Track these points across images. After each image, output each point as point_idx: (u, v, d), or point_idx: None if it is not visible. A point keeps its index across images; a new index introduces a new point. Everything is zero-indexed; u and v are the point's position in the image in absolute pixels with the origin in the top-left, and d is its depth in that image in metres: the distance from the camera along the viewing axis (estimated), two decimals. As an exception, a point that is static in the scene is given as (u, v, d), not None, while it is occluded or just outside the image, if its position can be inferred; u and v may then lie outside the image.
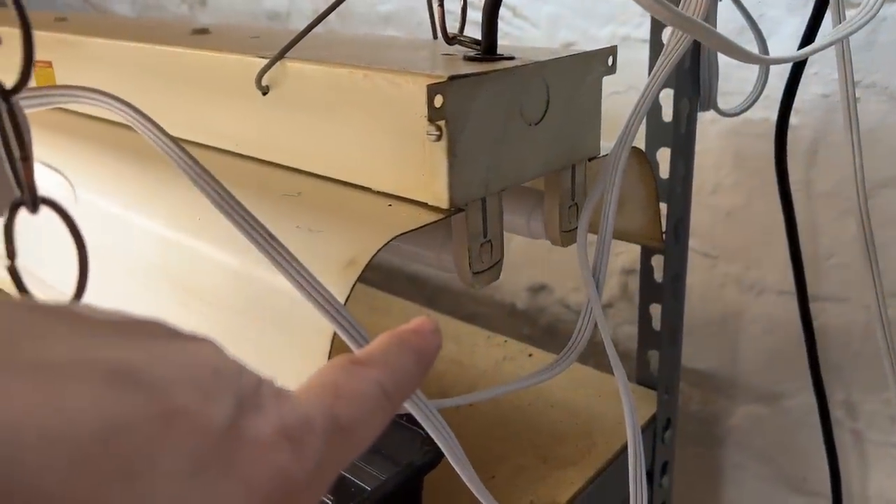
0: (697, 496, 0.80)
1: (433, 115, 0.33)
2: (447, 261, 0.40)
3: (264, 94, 0.43)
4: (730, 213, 0.69)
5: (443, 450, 0.34)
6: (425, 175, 0.36)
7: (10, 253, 0.24)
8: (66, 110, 0.58)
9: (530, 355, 0.71)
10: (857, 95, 0.58)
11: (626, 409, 0.41)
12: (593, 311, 0.41)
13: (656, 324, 0.61)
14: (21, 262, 0.24)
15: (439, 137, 0.34)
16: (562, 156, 0.41)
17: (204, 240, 0.40)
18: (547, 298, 0.86)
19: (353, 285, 0.32)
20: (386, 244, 0.33)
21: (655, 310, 0.61)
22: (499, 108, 0.36)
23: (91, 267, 0.46)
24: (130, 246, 0.44)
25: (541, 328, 0.88)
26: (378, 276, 1.01)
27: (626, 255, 0.77)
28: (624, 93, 0.69)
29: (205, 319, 0.38)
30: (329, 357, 0.32)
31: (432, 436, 0.33)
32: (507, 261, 0.92)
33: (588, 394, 0.64)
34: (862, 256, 0.49)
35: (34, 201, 0.23)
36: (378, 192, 0.39)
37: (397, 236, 0.34)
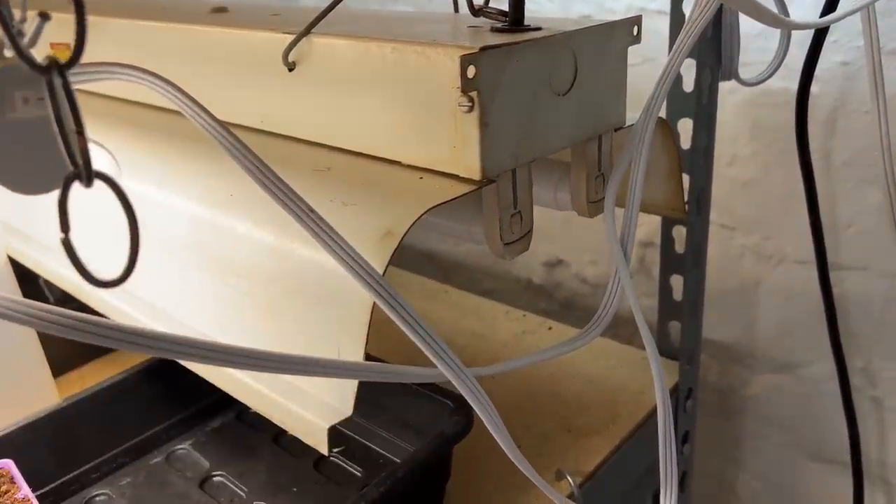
0: (717, 465, 0.81)
1: (466, 85, 0.34)
2: (478, 233, 0.40)
3: (291, 70, 0.43)
4: (747, 184, 0.69)
5: (481, 416, 0.34)
6: (457, 147, 0.36)
7: (65, 226, 0.24)
8: (89, 92, 0.58)
9: (550, 328, 0.72)
10: (877, 63, 0.58)
11: (654, 374, 0.41)
12: (622, 280, 0.42)
13: (677, 294, 0.61)
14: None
15: (471, 108, 0.34)
16: (589, 126, 0.42)
17: (238, 216, 0.40)
18: (563, 273, 0.86)
19: (392, 256, 0.33)
20: (422, 215, 0.33)
21: (676, 281, 0.61)
22: (529, 78, 0.37)
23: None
24: (165, 225, 0.44)
25: (558, 303, 0.88)
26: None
27: (644, 227, 0.77)
28: (640, 65, 0.68)
29: (241, 294, 0.39)
30: (369, 328, 0.33)
31: (471, 403, 0.34)
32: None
33: (610, 365, 0.65)
34: (887, 223, 0.49)
35: (88, 175, 0.24)
36: (408, 166, 0.39)
37: (432, 208, 0.34)
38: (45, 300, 0.70)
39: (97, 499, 0.53)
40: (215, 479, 0.54)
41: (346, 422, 0.32)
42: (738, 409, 0.77)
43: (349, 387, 0.33)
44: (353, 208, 0.36)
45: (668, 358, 0.64)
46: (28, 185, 0.28)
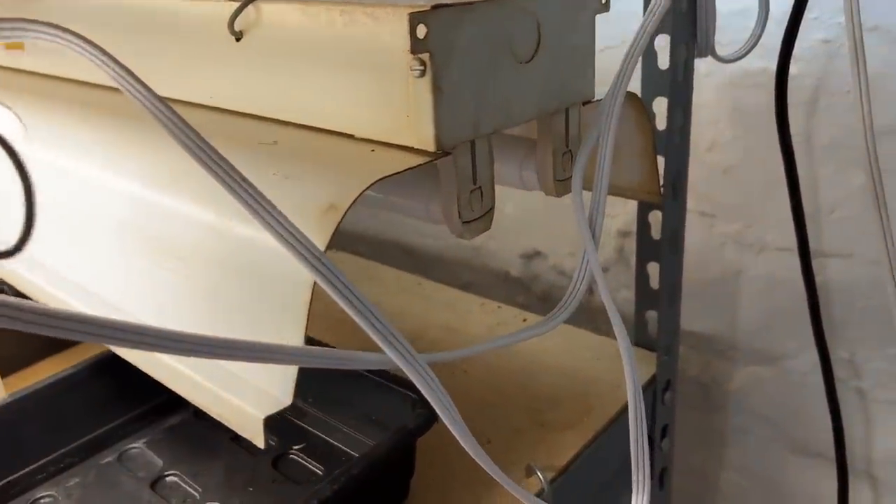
0: (698, 460, 0.78)
1: (416, 46, 0.31)
2: (436, 211, 0.38)
3: (238, 39, 0.40)
4: (727, 170, 0.67)
5: (434, 407, 0.32)
6: (410, 115, 0.33)
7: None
8: (29, 73, 0.55)
9: (524, 320, 0.69)
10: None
11: (625, 364, 0.39)
12: (590, 263, 0.39)
13: (654, 283, 0.59)
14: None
15: (423, 72, 0.32)
16: (555, 97, 0.39)
17: (176, 195, 0.37)
18: (541, 265, 0.84)
19: (334, 232, 0.30)
20: (368, 188, 0.31)
21: (653, 268, 0.59)
22: (486, 42, 0.34)
23: (63, 230, 0.44)
24: (101, 206, 0.42)
25: (535, 295, 0.86)
26: (372, 248, 0.99)
27: (623, 216, 0.74)
28: (618, 47, 0.66)
29: (180, 278, 0.36)
30: (309, 309, 0.30)
31: (422, 390, 0.31)
32: (499, 228, 0.90)
33: (584, 357, 0.63)
34: (871, 207, 0.47)
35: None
36: (360, 139, 0.36)
37: (380, 179, 0.31)
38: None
39: (42, 500, 0.50)
40: (168, 479, 0.51)
41: (285, 412, 0.29)
42: (721, 403, 0.75)
43: (288, 374, 0.30)
44: (295, 181, 0.33)
45: (645, 349, 0.62)
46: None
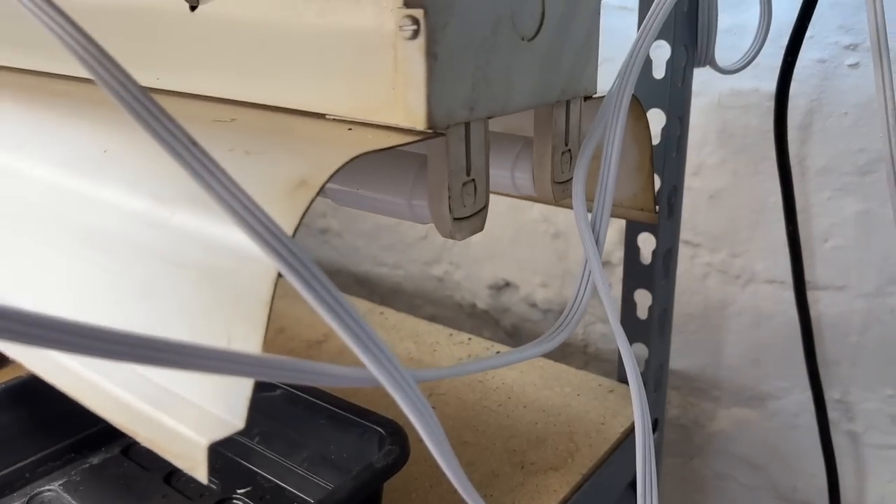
0: (677, 511, 0.73)
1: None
2: (420, 207, 0.32)
3: (193, 8, 0.35)
4: (714, 196, 0.63)
5: (422, 433, 0.26)
6: (397, 88, 0.28)
7: None
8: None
9: (497, 352, 0.64)
10: (855, 61, 0.54)
11: (629, 373, 0.34)
12: (593, 272, 0.34)
13: (642, 312, 0.54)
14: None
15: (416, 33, 0.27)
16: (556, 86, 0.34)
17: (102, 181, 0.31)
18: (511, 297, 0.79)
19: (304, 212, 0.25)
20: (348, 162, 0.25)
21: (641, 296, 0.54)
22: (488, 7, 0.29)
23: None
24: (10, 197, 0.35)
25: (504, 330, 0.81)
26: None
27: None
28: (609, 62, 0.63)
29: (105, 272, 0.29)
30: (271, 305, 0.24)
31: (409, 414, 0.25)
32: (467, 257, 0.85)
33: (565, 393, 0.57)
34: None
35: None
36: (333, 119, 0.31)
37: (362, 155, 0.26)
38: None
39: (-71, 554, 0.42)
40: (86, 527, 0.44)
41: (235, 436, 0.23)
42: (701, 447, 0.70)
43: (240, 390, 0.24)
44: (260, 157, 0.27)
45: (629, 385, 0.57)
46: None
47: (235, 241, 0.25)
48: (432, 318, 0.86)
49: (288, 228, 0.24)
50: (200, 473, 0.23)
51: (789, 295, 0.59)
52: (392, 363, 0.25)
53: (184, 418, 0.24)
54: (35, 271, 0.33)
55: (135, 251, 0.28)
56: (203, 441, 0.23)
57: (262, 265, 0.24)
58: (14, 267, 0.34)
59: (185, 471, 0.24)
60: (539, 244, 0.74)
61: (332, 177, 0.25)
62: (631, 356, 0.34)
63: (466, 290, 0.82)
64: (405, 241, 0.85)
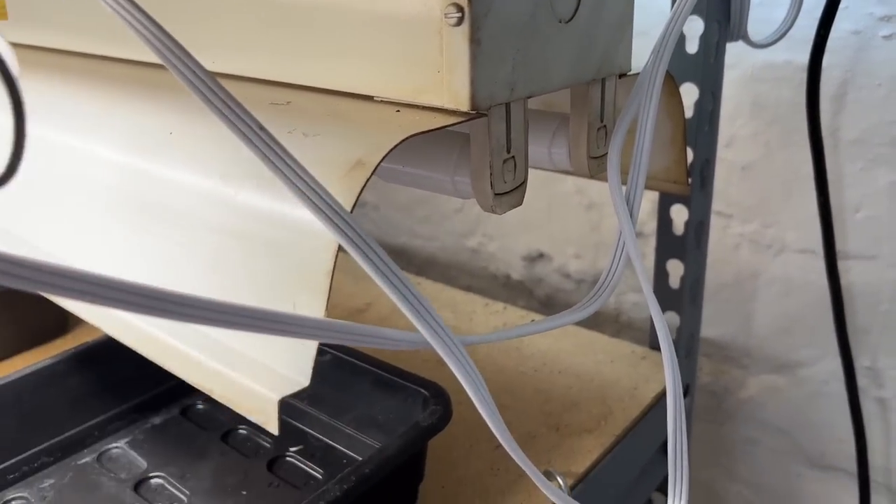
0: (707, 474, 0.75)
1: (456, -11, 0.28)
2: (463, 184, 0.34)
3: (247, -5, 0.37)
4: (746, 168, 0.64)
5: (470, 392, 0.28)
6: (442, 71, 0.30)
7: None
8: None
9: (532, 321, 0.66)
10: (889, 32, 0.54)
11: (662, 340, 0.36)
12: (627, 244, 0.36)
13: (674, 282, 0.56)
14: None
15: (461, 20, 0.29)
16: (592, 65, 0.36)
17: (169, 161, 0.34)
18: (545, 267, 0.81)
19: (361, 190, 0.27)
20: (401, 142, 0.27)
21: (674, 266, 0.56)
22: (528, -7, 0.31)
23: (44, 204, 0.40)
24: (84, 177, 0.38)
25: (538, 299, 0.83)
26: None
27: (632, 216, 0.71)
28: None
29: (177, 246, 0.32)
30: (332, 279, 0.27)
31: (459, 376, 0.28)
32: (501, 229, 0.87)
33: (598, 359, 0.59)
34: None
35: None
36: (382, 101, 0.33)
37: (414, 135, 0.28)
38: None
39: (13, 502, 0.46)
40: (153, 481, 0.47)
41: (301, 393, 0.26)
42: (730, 413, 0.71)
43: (306, 351, 0.26)
44: (317, 139, 0.30)
45: (661, 352, 0.59)
46: None
47: (298, 216, 0.28)
48: (467, 289, 0.89)
49: (347, 205, 0.26)
50: (272, 426, 0.26)
51: (820, 264, 0.60)
52: (442, 329, 0.27)
53: (255, 377, 0.27)
54: (107, 246, 0.36)
55: (203, 226, 0.31)
56: (275, 397, 0.26)
57: (323, 239, 0.27)
58: (87, 242, 0.37)
59: (259, 424, 0.26)
60: (572, 216, 0.75)
61: (385, 157, 0.27)
62: (663, 324, 0.36)
63: (501, 261, 0.84)
64: (440, 214, 0.88)
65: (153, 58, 0.40)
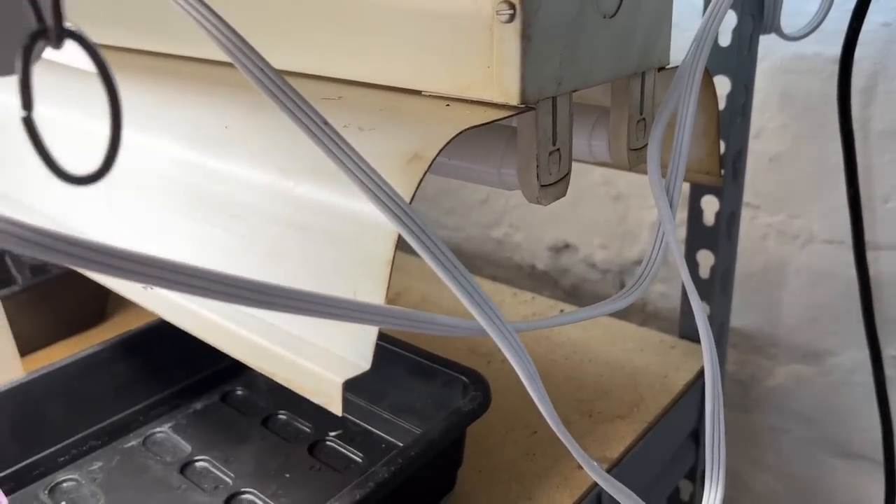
0: (733, 463, 0.76)
1: (509, -14, 0.29)
2: (509, 175, 0.36)
3: (296, -8, 0.38)
4: (774, 159, 0.64)
5: (521, 375, 0.29)
6: (492, 66, 0.31)
7: (27, 102, 0.19)
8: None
9: (561, 311, 0.67)
10: (921, 24, 0.54)
11: (697, 316, 0.36)
12: (666, 234, 0.37)
13: (704, 272, 0.57)
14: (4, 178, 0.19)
15: (512, 17, 0.30)
16: (633, 59, 0.37)
17: (232, 155, 0.35)
18: (571, 258, 0.82)
19: (419, 183, 0.28)
20: (456, 136, 0.28)
21: (704, 257, 0.57)
22: (576, -10, 0.32)
23: (104, 198, 0.41)
24: (145, 170, 0.39)
25: (563, 290, 0.84)
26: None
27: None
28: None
29: (234, 236, 0.33)
30: (391, 265, 0.28)
31: (512, 361, 0.29)
32: (527, 220, 0.88)
33: (628, 348, 0.60)
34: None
35: (59, 33, 0.19)
36: (431, 96, 0.34)
37: (469, 129, 0.29)
38: (12, 278, 0.64)
39: (64, 484, 0.47)
40: (198, 464, 0.49)
41: (363, 375, 0.27)
42: (757, 402, 0.72)
43: (366, 336, 0.28)
44: (373, 133, 0.31)
45: (692, 342, 0.60)
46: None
47: (357, 208, 0.29)
48: (493, 279, 0.90)
49: (406, 196, 0.27)
50: (336, 407, 0.27)
51: (847, 255, 0.61)
52: (497, 316, 0.28)
53: (317, 360, 0.28)
54: (167, 238, 0.37)
55: (262, 217, 0.32)
56: (338, 379, 0.27)
57: (383, 229, 0.28)
58: (146, 235, 0.38)
59: (322, 405, 0.28)
60: (599, 206, 0.76)
61: (442, 150, 0.28)
62: (702, 311, 0.37)
63: (526, 252, 0.85)
64: (466, 205, 0.89)
65: (205, 54, 0.41)
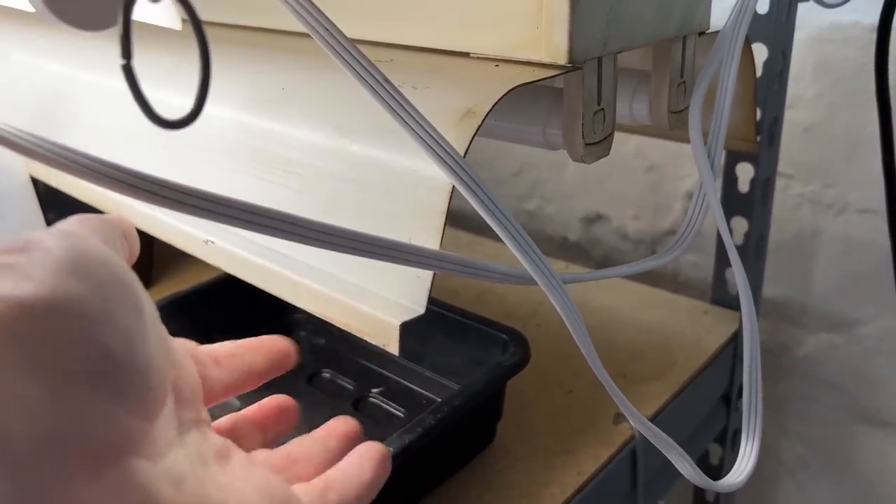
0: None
1: (560, -52, 0.30)
2: (554, 135, 0.37)
3: (346, -41, 0.39)
4: (808, 129, 0.65)
5: (569, 325, 0.31)
6: (541, 27, 0.32)
7: (126, 51, 0.20)
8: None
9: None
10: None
11: (736, 274, 0.38)
12: (707, 195, 0.38)
13: (738, 238, 0.58)
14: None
15: (562, -21, 0.31)
16: (674, 23, 0.38)
17: (287, 116, 0.37)
18: (603, 229, 0.83)
19: (473, 137, 0.29)
20: (508, 93, 0.30)
21: (737, 223, 0.58)
22: (622, -48, 0.33)
23: (166, 162, 0.43)
24: (210, 132, 0.41)
25: (595, 261, 0.85)
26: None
27: (692, 178, 0.73)
28: None
29: (291, 191, 0.35)
30: (446, 218, 0.29)
31: (560, 311, 0.30)
32: (559, 190, 0.89)
33: (662, 314, 0.61)
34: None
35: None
36: (479, 58, 0.35)
37: (519, 86, 0.30)
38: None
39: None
40: (247, 417, 0.51)
41: (417, 320, 0.29)
42: (787, 371, 0.73)
43: (421, 282, 0.29)
44: (426, 91, 0.32)
45: (725, 308, 0.61)
46: (86, 18, 0.24)
47: (410, 163, 0.30)
48: (524, 250, 0.91)
49: (461, 150, 0.29)
50: (394, 348, 0.29)
51: (881, 224, 0.61)
52: (546, 266, 0.30)
53: (375, 305, 0.30)
54: (226, 193, 0.39)
55: (318, 173, 0.34)
56: (395, 321, 0.29)
57: (438, 181, 0.29)
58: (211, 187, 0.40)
59: (381, 346, 0.29)
60: (632, 177, 0.77)
61: (494, 106, 0.30)
62: (741, 270, 0.38)
63: (558, 223, 0.87)
64: (498, 178, 0.90)
65: (260, 23, 0.43)
